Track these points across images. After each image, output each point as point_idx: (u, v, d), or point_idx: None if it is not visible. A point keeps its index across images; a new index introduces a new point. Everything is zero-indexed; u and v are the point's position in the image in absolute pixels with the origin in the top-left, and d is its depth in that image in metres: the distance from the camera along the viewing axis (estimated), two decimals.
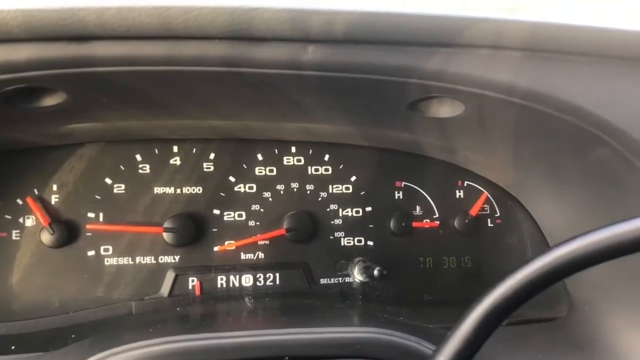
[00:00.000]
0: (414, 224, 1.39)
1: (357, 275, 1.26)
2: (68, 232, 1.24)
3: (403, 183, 1.41)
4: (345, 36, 0.90)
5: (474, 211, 1.42)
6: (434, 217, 1.41)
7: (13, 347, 1.05)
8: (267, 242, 1.34)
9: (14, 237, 1.24)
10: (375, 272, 1.15)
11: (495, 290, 0.76)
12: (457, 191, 1.43)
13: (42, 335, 1.16)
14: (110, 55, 0.86)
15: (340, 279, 1.35)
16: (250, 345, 0.89)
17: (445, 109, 1.10)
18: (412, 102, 1.07)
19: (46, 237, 1.23)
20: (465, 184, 1.43)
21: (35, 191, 1.25)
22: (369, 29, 0.91)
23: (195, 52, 0.88)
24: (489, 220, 1.45)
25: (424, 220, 1.40)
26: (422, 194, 1.41)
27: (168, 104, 1.08)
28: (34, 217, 1.25)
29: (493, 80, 0.97)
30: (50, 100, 0.98)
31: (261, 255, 1.34)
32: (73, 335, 1.07)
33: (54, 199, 1.26)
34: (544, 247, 1.37)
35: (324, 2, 0.89)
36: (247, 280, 1.32)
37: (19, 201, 1.24)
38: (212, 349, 0.88)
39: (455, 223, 1.41)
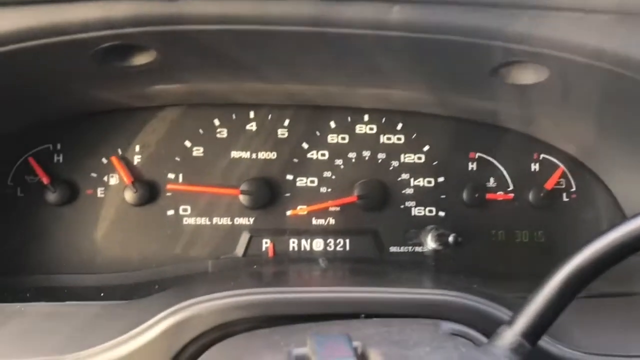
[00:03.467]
0: (488, 196, 1.37)
1: (430, 243, 1.26)
2: (149, 191, 1.30)
3: (477, 154, 1.39)
4: None
5: (549, 185, 1.38)
6: (508, 189, 1.39)
7: (102, 295, 1.12)
8: (338, 208, 1.36)
9: (99, 195, 1.30)
10: (451, 239, 1.14)
11: (579, 255, 0.76)
12: (532, 164, 1.40)
13: (127, 286, 1.22)
14: (200, 13, 0.89)
15: (410, 247, 1.36)
16: (329, 300, 0.90)
17: (527, 75, 1.07)
18: (494, 67, 1.05)
19: (129, 195, 1.28)
20: (541, 157, 1.40)
21: (119, 151, 1.31)
22: None
23: (282, 11, 0.89)
24: (564, 194, 1.42)
25: (498, 193, 1.39)
26: (497, 166, 1.39)
27: (251, 66, 1.11)
28: (117, 176, 1.30)
29: (581, 44, 0.95)
30: (142, 59, 1.02)
31: (332, 221, 1.36)
32: (156, 287, 1.13)
33: (136, 159, 1.31)
34: None
35: None
36: (317, 244, 1.34)
37: (104, 160, 1.30)
38: (292, 302, 0.90)
39: (530, 196, 1.39)
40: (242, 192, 1.30)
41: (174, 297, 0.96)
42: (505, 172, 1.39)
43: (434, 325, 0.85)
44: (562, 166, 1.40)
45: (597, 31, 0.94)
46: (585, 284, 0.76)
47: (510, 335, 0.73)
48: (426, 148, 1.38)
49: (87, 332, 0.90)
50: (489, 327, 0.83)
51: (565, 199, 1.42)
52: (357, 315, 0.91)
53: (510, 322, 0.75)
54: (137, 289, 1.15)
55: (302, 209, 1.34)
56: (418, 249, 1.34)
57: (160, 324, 0.84)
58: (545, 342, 0.90)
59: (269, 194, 1.32)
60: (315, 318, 0.88)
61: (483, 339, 0.85)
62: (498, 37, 0.95)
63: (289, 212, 1.34)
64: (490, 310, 0.92)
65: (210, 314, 0.89)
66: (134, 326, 0.86)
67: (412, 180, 1.38)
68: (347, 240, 1.35)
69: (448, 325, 0.87)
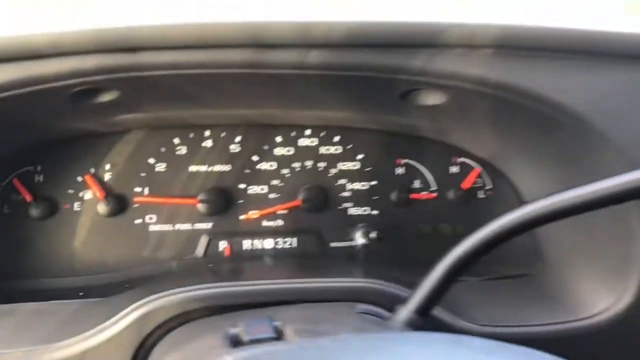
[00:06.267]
0: (413, 196, 1.56)
1: (359, 239, 1.47)
2: (119, 204, 1.48)
3: (404, 160, 1.58)
4: (341, 42, 1.10)
5: (466, 185, 1.58)
6: (432, 189, 1.59)
7: (81, 294, 1.31)
8: (286, 211, 1.54)
9: (75, 208, 1.48)
10: (373, 235, 1.36)
11: (459, 247, 0.97)
12: (451, 167, 1.59)
13: (103, 286, 1.40)
14: (156, 62, 1.08)
15: (347, 242, 1.55)
16: (263, 291, 1.09)
17: (431, 98, 1.28)
18: (402, 92, 1.26)
19: (102, 208, 1.46)
20: (458, 161, 1.59)
21: (92, 170, 1.48)
22: (362, 36, 1.11)
23: (222, 58, 1.09)
24: (481, 192, 1.60)
25: (422, 193, 1.58)
26: (421, 170, 1.59)
27: (202, 98, 1.30)
28: (91, 192, 1.48)
29: (467, 74, 1.14)
30: (106, 97, 1.21)
31: (280, 222, 1.54)
32: (127, 286, 1.32)
33: (107, 177, 1.49)
34: None
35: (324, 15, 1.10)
36: (268, 243, 1.52)
37: (79, 178, 1.48)
38: (236, 294, 1.08)
39: (451, 195, 1.58)
40: (201, 201, 1.48)
41: (141, 293, 1.15)
42: (428, 175, 1.59)
43: (349, 307, 1.06)
44: (477, 168, 1.59)
45: (479, 64, 1.14)
46: (464, 271, 0.96)
47: (405, 312, 0.90)
48: (360, 157, 1.56)
49: (69, 326, 1.07)
50: (396, 306, 1.04)
51: (481, 195, 1.61)
52: (294, 301, 1.10)
53: (405, 302, 0.96)
54: (111, 288, 1.31)
55: (253, 214, 1.52)
56: (353, 243, 1.55)
57: (128, 316, 1.02)
58: (445, 316, 1.11)
59: (224, 201, 1.50)
60: (255, 306, 1.08)
61: (388, 315, 1.05)
62: (400, 71, 1.15)
63: (242, 217, 1.52)
64: (395, 292, 1.13)
65: (171, 305, 1.07)
66: (107, 319, 1.04)
67: (348, 184, 1.56)
68: (294, 239, 1.54)
69: (361, 306, 1.07)
